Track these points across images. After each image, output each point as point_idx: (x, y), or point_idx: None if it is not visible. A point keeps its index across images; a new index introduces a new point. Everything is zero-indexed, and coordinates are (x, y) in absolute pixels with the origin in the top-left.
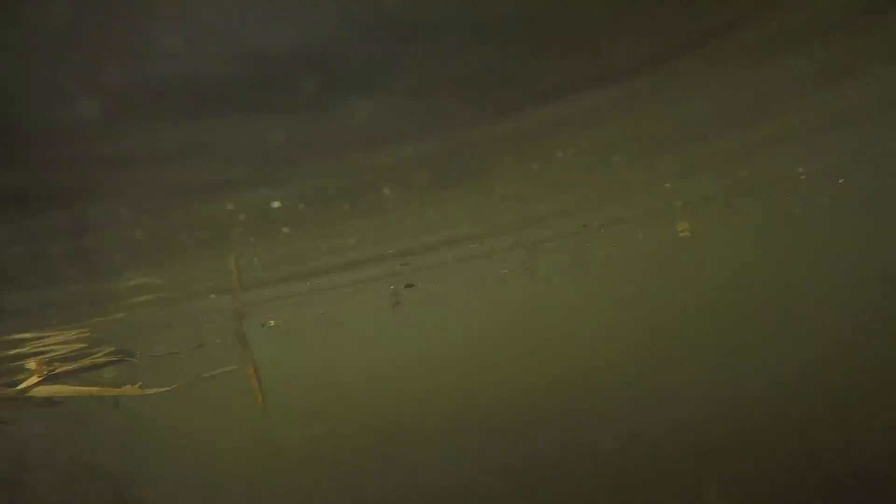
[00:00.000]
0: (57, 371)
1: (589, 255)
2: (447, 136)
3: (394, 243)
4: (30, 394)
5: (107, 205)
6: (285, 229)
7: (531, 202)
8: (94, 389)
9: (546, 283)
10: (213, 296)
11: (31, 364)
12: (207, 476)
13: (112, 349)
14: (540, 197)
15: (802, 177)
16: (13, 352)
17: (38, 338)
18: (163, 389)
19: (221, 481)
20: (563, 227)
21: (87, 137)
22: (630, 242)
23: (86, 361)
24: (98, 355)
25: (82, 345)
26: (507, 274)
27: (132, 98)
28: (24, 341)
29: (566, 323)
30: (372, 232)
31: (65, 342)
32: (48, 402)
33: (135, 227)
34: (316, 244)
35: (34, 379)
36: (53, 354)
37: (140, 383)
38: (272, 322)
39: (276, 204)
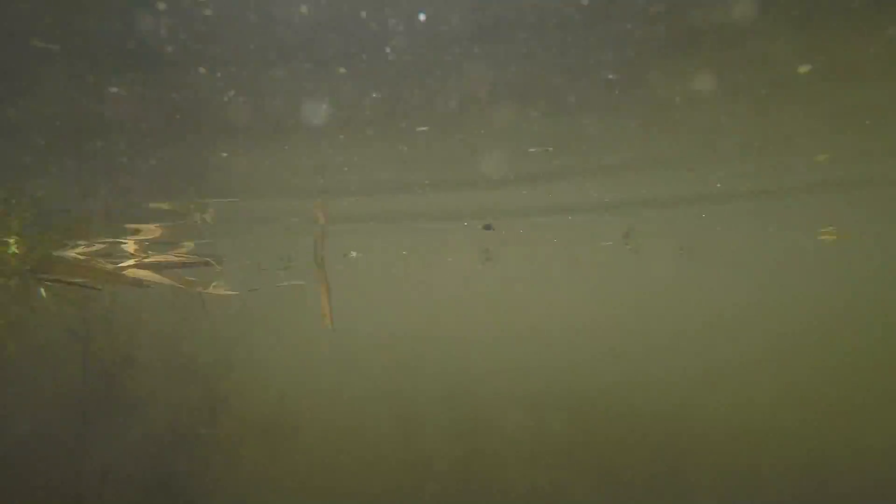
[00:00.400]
0: (149, 260)
1: (701, 244)
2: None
3: (495, 201)
4: (123, 272)
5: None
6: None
7: (648, 182)
8: (175, 280)
9: (648, 263)
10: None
11: (131, 248)
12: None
13: (203, 253)
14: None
15: None
16: (120, 238)
17: (143, 232)
18: (234, 292)
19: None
20: (678, 211)
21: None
22: (761, 239)
23: (177, 258)
24: (188, 254)
25: (177, 245)
26: (608, 246)
27: None
28: (131, 231)
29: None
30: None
31: (162, 240)
32: (136, 282)
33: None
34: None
35: (130, 262)
36: (150, 242)
37: (215, 283)
38: (354, 253)
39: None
